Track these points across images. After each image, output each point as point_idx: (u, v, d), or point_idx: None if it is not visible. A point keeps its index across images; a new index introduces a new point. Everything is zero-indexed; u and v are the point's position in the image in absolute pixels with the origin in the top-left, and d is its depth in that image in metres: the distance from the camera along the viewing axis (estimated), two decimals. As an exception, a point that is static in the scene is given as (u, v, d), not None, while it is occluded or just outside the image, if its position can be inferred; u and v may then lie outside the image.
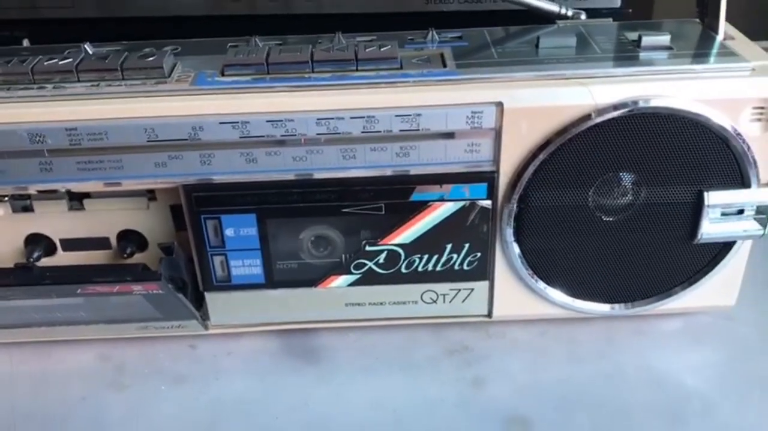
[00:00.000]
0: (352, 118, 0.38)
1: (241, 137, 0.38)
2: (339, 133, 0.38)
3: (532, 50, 0.41)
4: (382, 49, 0.39)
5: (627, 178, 0.41)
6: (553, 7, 0.45)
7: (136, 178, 0.40)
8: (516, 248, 0.42)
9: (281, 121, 0.38)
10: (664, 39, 0.40)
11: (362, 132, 0.38)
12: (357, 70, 0.39)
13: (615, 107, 0.38)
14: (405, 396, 0.43)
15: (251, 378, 0.44)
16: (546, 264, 0.43)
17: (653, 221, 0.42)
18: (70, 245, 0.44)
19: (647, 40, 0.40)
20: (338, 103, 0.38)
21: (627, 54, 0.40)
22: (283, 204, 0.41)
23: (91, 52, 0.41)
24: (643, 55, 0.40)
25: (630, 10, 0.53)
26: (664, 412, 0.41)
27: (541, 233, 0.42)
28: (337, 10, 0.53)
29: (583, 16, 0.46)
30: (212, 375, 0.45)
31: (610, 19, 0.46)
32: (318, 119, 0.38)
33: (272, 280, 0.43)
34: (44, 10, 0.54)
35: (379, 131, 0.38)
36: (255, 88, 0.38)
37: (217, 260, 0.42)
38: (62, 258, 0.45)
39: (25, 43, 0.45)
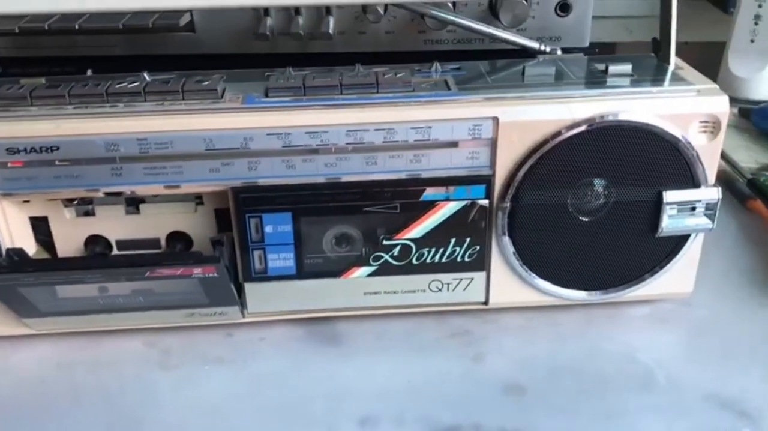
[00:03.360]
0: (375, 130, 0.46)
1: (283, 146, 0.46)
2: (364, 143, 0.46)
3: (519, 77, 0.50)
4: (397, 75, 0.48)
5: (598, 181, 0.49)
6: (534, 44, 0.54)
7: (193, 182, 0.47)
8: (508, 242, 0.50)
9: (317, 133, 0.46)
10: (627, 68, 0.50)
11: (383, 142, 0.46)
12: (377, 92, 0.47)
13: (588, 121, 0.47)
14: (417, 369, 0.50)
15: (283, 357, 0.51)
16: (534, 256, 0.51)
17: (622, 217, 0.50)
18: (124, 245, 0.51)
19: (613, 69, 0.49)
20: (364, 118, 0.46)
21: (596, 80, 0.49)
22: (315, 204, 0.48)
23: (149, 79, 0.49)
24: (609, 80, 0.49)
25: (596, 49, 0.62)
26: (636, 378, 0.49)
27: (530, 229, 0.50)
28: (348, 50, 0.62)
29: (559, 52, 0.55)
30: (249, 356, 0.51)
31: (582, 54, 0.55)
32: (348, 131, 0.46)
33: (302, 271, 0.51)
34: (92, 48, 0.62)
35: (397, 141, 0.46)
36: (295, 107, 0.46)
37: (257, 253, 0.50)
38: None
39: (89, 72, 0.52)
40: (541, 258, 0.51)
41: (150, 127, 0.45)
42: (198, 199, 0.50)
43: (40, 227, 0.51)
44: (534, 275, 0.51)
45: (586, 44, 0.61)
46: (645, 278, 0.52)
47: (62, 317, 0.49)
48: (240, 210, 0.48)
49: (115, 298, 0.48)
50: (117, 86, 0.47)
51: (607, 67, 0.50)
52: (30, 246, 0.50)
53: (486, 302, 0.53)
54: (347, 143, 0.46)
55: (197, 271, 0.45)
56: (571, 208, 0.50)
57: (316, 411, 0.47)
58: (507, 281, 0.52)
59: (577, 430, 0.45)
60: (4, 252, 0.47)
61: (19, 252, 0.47)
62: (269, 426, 0.46)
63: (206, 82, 0.47)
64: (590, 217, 0.50)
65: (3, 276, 0.44)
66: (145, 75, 0.49)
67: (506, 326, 0.54)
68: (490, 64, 0.53)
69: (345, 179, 0.48)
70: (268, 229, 0.49)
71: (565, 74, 0.50)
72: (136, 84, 0.47)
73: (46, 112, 0.46)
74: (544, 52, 0.54)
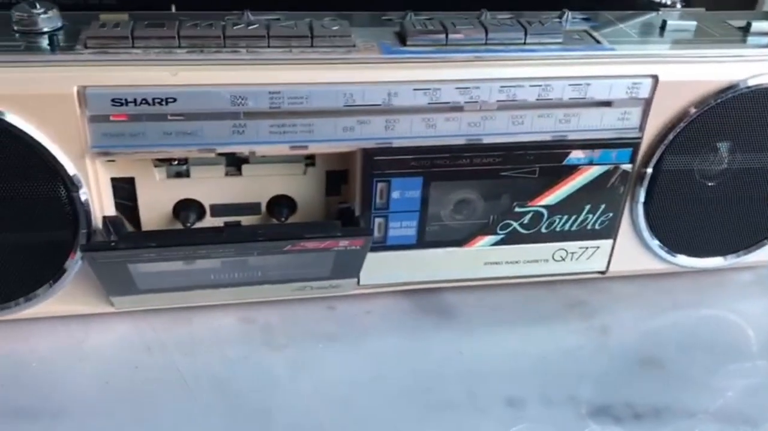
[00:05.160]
0: (531, 86, 0.42)
1: (429, 103, 0.41)
2: (516, 100, 0.42)
3: (659, 31, 0.46)
4: (544, 25, 0.43)
5: (733, 145, 0.47)
6: (655, -4, 0.51)
7: (322, 142, 0.41)
8: (642, 209, 0.47)
9: (468, 88, 0.41)
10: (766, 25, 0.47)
11: (537, 99, 0.42)
12: (525, 43, 0.43)
13: (743, 83, 0.44)
14: (547, 344, 0.47)
15: (399, 333, 0.47)
16: (663, 223, 0.48)
17: (749, 182, 0.48)
18: (220, 210, 0.45)
19: (756, 26, 0.46)
20: (519, 73, 0.41)
21: (739, 38, 0.46)
22: (450, 168, 0.43)
23: (253, 20, 0.42)
24: (750, 39, 0.46)
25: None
26: (763, 346, 0.48)
27: (667, 196, 0.47)
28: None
29: (679, 5, 0.51)
30: (360, 332, 0.47)
31: (703, 9, 0.52)
32: (501, 87, 0.41)
33: (423, 241, 0.46)
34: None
35: (551, 99, 0.42)
36: (441, 59, 0.41)
37: (378, 221, 0.45)
38: (210, 223, 0.45)
39: (173, 9, 0.45)
40: (670, 225, 0.48)
41: (282, 78, 0.39)
42: (308, 159, 0.45)
43: (123, 189, 0.43)
44: (659, 242, 0.49)
45: (680, -4, 0.58)
46: (763, 244, 0.51)
47: (157, 294, 0.43)
48: (368, 174, 0.43)
49: (230, 273, 0.42)
50: (235, 28, 0.40)
51: (748, 25, 0.47)
52: (109, 212, 0.43)
53: (604, 271, 0.50)
54: (498, 100, 0.42)
55: (343, 243, 0.40)
56: (700, 174, 0.47)
57: (454, 392, 0.43)
58: (630, 249, 0.49)
59: (728, 407, 0.43)
60: (99, 222, 0.40)
61: (117, 221, 0.41)
62: (410, 414, 0.42)
63: (335, 27, 0.41)
64: (716, 182, 0.48)
65: (120, 253, 0.37)
66: (249, 14, 0.42)
67: (620, 295, 0.51)
68: (619, 15, 0.49)
69: (487, 140, 0.43)
70: (395, 195, 0.44)
71: (704, 31, 0.47)
72: (256, 27, 0.40)
73: (154, 56, 0.39)
74: (666, 6, 0.51)
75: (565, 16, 0.47)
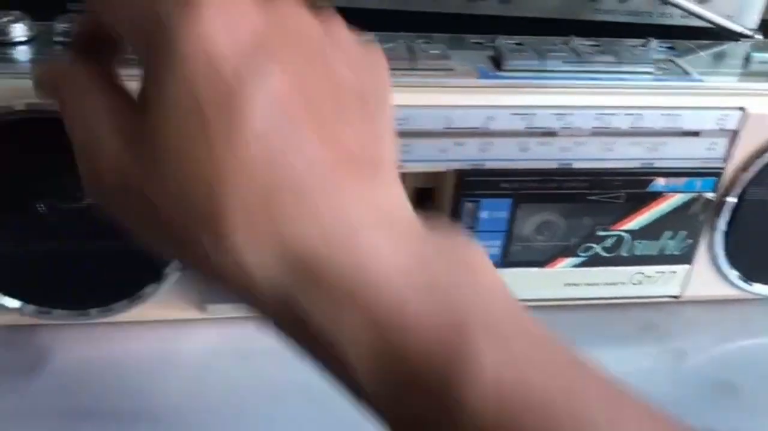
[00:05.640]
0: (625, 114, 0.43)
1: (525, 128, 0.42)
2: (609, 127, 0.43)
3: (743, 63, 0.47)
4: (635, 54, 0.44)
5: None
6: (737, 27, 0.52)
7: (418, 162, 0.42)
8: (721, 237, 0.48)
9: (564, 114, 0.42)
10: None
11: (630, 127, 0.43)
12: (619, 71, 0.44)
13: (828, 116, 0.45)
14: (624, 365, 0.47)
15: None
16: (740, 251, 0.49)
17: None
18: (309, 224, 0.46)
19: (840, 60, 0.47)
20: (614, 102, 0.42)
21: (825, 71, 0.47)
22: (540, 191, 0.45)
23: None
24: (834, 72, 0.47)
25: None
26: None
27: (746, 224, 0.48)
28: (506, 13, 0.57)
29: (759, 36, 0.52)
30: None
31: (785, 40, 0.52)
32: (597, 114, 0.42)
33: (506, 260, 0.47)
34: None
35: (643, 127, 0.43)
36: (538, 84, 0.42)
37: (464, 240, 0.46)
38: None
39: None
40: (748, 252, 0.49)
41: (387, 99, 0.40)
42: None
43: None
44: (736, 270, 0.50)
45: (754, 25, 0.59)
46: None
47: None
48: (459, 194, 0.44)
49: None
50: (339, 50, 0.41)
51: (835, 58, 0.47)
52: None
53: (678, 296, 0.51)
54: (592, 127, 0.43)
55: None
56: (776, 203, 0.48)
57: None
58: (706, 275, 0.50)
59: (806, 435, 0.44)
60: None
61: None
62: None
63: (434, 51, 0.43)
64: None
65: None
66: (348, 36, 0.44)
67: (691, 319, 0.52)
68: (702, 44, 0.50)
69: (577, 165, 0.44)
70: (483, 215, 0.45)
71: (789, 63, 0.48)
72: (360, 48, 0.42)
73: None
74: (746, 36, 0.52)
75: (650, 44, 0.48)
